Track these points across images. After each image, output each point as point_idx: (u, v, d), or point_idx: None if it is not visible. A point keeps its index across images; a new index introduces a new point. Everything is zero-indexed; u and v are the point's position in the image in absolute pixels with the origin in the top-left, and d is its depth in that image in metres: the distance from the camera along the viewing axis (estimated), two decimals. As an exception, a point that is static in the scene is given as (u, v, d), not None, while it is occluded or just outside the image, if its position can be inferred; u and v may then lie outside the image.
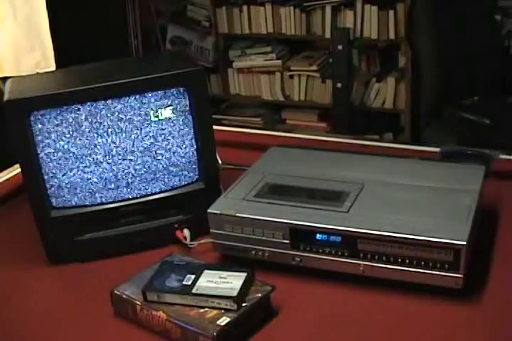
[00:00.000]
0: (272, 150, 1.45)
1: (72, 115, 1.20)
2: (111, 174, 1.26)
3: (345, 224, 1.12)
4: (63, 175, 1.24)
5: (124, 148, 1.25)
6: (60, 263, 1.28)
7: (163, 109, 1.26)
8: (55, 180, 1.23)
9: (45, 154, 1.21)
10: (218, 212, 1.20)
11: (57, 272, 1.28)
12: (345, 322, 1.08)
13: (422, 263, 1.08)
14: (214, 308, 1.04)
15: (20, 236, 1.38)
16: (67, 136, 1.21)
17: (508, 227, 1.30)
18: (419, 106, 3.23)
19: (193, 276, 1.09)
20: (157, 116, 1.26)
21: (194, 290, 1.06)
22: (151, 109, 1.25)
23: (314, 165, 1.35)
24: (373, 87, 3.42)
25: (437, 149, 1.60)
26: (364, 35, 3.34)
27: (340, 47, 3.27)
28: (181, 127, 1.28)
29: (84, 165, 1.24)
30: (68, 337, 1.10)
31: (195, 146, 1.30)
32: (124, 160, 1.26)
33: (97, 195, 1.27)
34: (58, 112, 1.19)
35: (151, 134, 1.26)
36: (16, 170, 1.60)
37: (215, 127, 1.33)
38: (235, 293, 1.04)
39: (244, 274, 1.08)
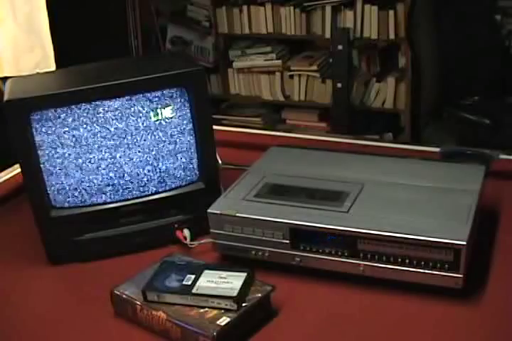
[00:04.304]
0: (272, 150, 1.45)
1: (72, 115, 1.20)
2: (111, 174, 1.26)
3: (345, 224, 1.12)
4: (63, 175, 1.24)
5: (123, 148, 1.25)
6: (60, 263, 1.28)
7: (163, 109, 1.26)
8: (55, 180, 1.23)
9: (45, 154, 1.21)
10: (218, 212, 1.20)
11: (57, 272, 1.28)
12: (345, 322, 1.08)
13: (422, 263, 1.09)
14: (214, 308, 1.04)
15: (20, 236, 1.38)
16: (67, 135, 1.21)
17: (508, 227, 1.30)
18: (419, 106, 3.23)
19: (193, 276, 1.09)
20: (157, 116, 1.26)
21: (194, 290, 1.06)
22: (151, 109, 1.25)
23: (314, 165, 1.35)
24: (373, 87, 3.42)
25: (437, 149, 1.60)
26: (364, 35, 3.34)
27: (340, 47, 3.27)
28: (181, 127, 1.28)
29: (84, 165, 1.24)
30: (68, 337, 1.10)
31: (195, 146, 1.30)
32: (123, 160, 1.26)
33: (97, 194, 1.27)
34: (58, 112, 1.19)
35: (151, 134, 1.26)
36: (15, 170, 1.60)
37: (215, 127, 1.33)
38: (235, 293, 1.04)
39: (244, 274, 1.08)
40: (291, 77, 3.60)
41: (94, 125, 1.22)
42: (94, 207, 1.28)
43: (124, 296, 1.10)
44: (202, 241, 1.28)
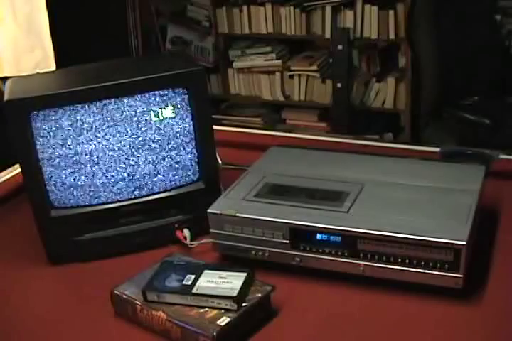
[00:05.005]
0: (272, 150, 1.45)
1: (72, 115, 1.20)
2: (111, 174, 1.26)
3: (345, 224, 1.12)
4: (63, 175, 1.24)
5: (124, 148, 1.25)
6: (60, 263, 1.28)
7: (163, 109, 1.26)
8: (55, 180, 1.23)
9: (45, 154, 1.21)
10: (218, 212, 1.20)
11: (57, 272, 1.28)
12: (345, 322, 1.08)
13: (422, 263, 1.09)
14: (214, 308, 1.04)
15: (20, 236, 1.38)
16: (67, 135, 1.21)
17: (508, 227, 1.30)
18: (419, 106, 3.22)
19: (193, 276, 1.09)
20: (157, 116, 1.26)
21: (194, 290, 1.06)
22: (151, 109, 1.25)
23: (314, 165, 1.35)
24: (373, 87, 3.42)
25: (437, 149, 1.60)
26: (364, 35, 3.34)
27: (340, 47, 3.27)
28: (181, 127, 1.28)
29: (84, 165, 1.24)
30: (68, 337, 1.10)
31: (195, 146, 1.30)
32: (124, 160, 1.26)
33: (97, 194, 1.27)
34: (58, 112, 1.19)
35: (151, 134, 1.26)
36: (15, 170, 1.60)
37: (215, 127, 1.33)
38: (235, 293, 1.04)
39: (244, 274, 1.08)
40: (291, 77, 3.60)
41: (94, 125, 1.22)
42: (94, 207, 1.28)
43: (124, 296, 1.10)
44: (202, 241, 1.28)
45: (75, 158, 1.23)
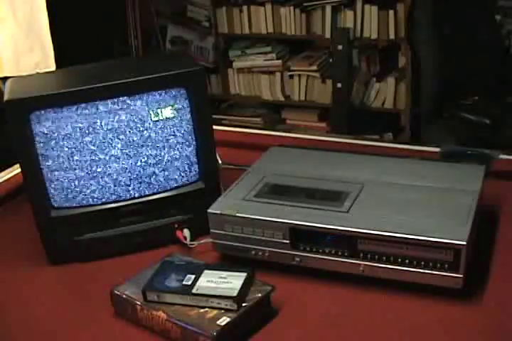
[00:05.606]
0: (272, 150, 1.45)
1: (72, 115, 1.20)
2: (111, 174, 1.26)
3: (345, 224, 1.12)
4: (63, 175, 1.24)
5: (124, 148, 1.25)
6: (60, 263, 1.28)
7: (163, 109, 1.26)
8: (55, 180, 1.23)
9: (45, 154, 1.21)
10: (218, 212, 1.20)
11: (57, 272, 1.28)
12: (345, 322, 1.08)
13: (422, 263, 1.08)
14: (214, 308, 1.04)
15: (20, 236, 1.38)
16: (67, 136, 1.21)
17: (508, 227, 1.30)
18: (419, 106, 3.23)
19: (193, 276, 1.09)
20: (157, 116, 1.26)
21: (194, 290, 1.06)
22: (151, 109, 1.25)
23: (314, 165, 1.35)
24: (373, 87, 3.42)
25: (437, 149, 1.61)
26: (364, 35, 3.34)
27: (340, 47, 3.27)
28: (181, 127, 1.28)
29: (84, 165, 1.24)
30: (68, 337, 1.10)
31: (195, 146, 1.30)
32: (123, 160, 1.26)
33: (97, 195, 1.27)
34: (58, 112, 1.19)
35: (151, 134, 1.26)
36: (16, 170, 1.60)
37: (215, 127, 1.33)
38: (235, 293, 1.04)
39: (244, 274, 1.08)
40: (291, 77, 3.61)
41: (94, 125, 1.22)
42: (94, 207, 1.28)
43: (124, 296, 1.10)
44: (202, 241, 1.28)
45: (74, 158, 1.23)
